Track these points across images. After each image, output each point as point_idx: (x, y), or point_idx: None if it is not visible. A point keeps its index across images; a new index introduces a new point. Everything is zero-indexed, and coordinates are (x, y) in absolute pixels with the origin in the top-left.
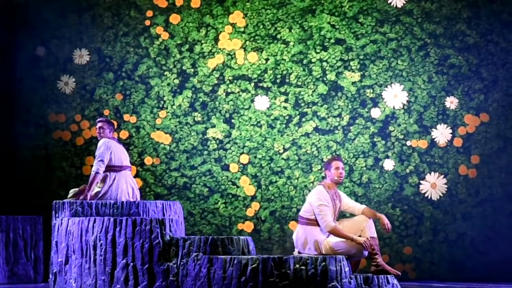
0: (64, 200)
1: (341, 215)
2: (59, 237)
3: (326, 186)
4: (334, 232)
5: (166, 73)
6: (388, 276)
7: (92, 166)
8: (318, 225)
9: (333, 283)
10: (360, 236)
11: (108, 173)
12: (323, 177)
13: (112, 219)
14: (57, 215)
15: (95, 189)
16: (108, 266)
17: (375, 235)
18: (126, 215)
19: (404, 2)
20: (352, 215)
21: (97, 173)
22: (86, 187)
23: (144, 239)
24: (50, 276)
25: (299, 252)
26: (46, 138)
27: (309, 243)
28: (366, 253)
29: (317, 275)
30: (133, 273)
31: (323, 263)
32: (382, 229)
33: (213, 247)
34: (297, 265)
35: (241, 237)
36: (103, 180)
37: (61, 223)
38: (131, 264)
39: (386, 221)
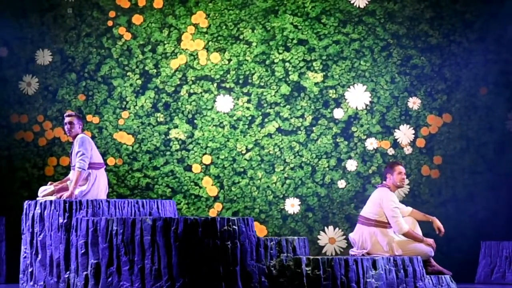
0: (37, 199)
1: None
2: (91, 237)
3: (391, 189)
4: (407, 235)
5: (128, 73)
6: (449, 276)
7: (55, 167)
8: (388, 226)
9: (420, 283)
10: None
11: (90, 171)
12: (383, 180)
13: (192, 218)
14: (66, 214)
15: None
16: (188, 268)
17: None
18: (148, 214)
19: (367, 3)
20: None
21: (83, 169)
22: (58, 185)
23: (232, 239)
24: (21, 276)
25: (367, 253)
26: (8, 139)
27: (381, 244)
28: (432, 253)
29: (407, 275)
30: (218, 274)
31: (410, 264)
32: (437, 232)
33: (293, 248)
34: (387, 266)
35: (301, 238)
36: (85, 178)
37: (92, 222)
38: (220, 265)
39: (439, 223)
